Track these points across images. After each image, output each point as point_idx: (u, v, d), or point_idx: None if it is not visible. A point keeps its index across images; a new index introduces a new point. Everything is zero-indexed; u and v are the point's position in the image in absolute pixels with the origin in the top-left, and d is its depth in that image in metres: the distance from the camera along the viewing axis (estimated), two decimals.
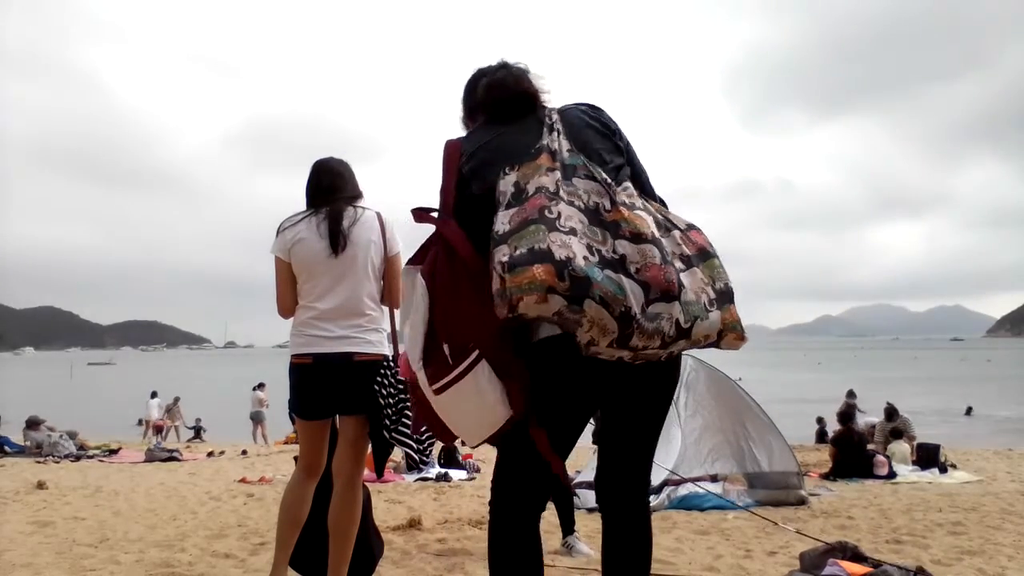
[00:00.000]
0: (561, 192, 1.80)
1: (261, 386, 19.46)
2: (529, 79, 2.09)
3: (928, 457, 10.37)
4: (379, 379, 3.05)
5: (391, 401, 3.05)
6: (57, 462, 11.86)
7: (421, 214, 1.96)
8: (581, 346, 1.72)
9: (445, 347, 1.83)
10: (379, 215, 3.21)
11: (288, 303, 3.18)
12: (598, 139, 1.98)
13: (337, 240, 3.07)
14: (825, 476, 9.39)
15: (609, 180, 1.86)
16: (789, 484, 7.20)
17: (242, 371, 53.99)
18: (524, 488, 1.96)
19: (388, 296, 3.20)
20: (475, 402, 1.85)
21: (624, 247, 1.73)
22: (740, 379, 8.92)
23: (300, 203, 3.23)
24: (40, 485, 8.05)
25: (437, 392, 1.86)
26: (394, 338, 3.23)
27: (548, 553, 4.53)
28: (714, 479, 7.08)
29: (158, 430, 18.63)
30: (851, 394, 16.23)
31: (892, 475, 9.47)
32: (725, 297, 1.80)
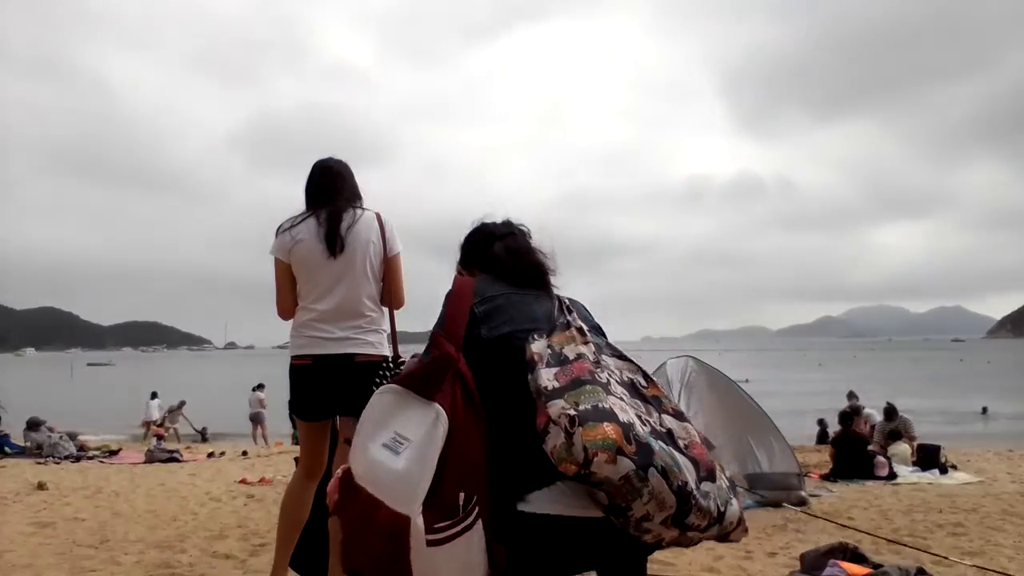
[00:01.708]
0: (600, 362, 1.78)
1: (260, 387, 19.44)
2: (542, 255, 2.10)
3: (928, 458, 10.35)
4: (379, 380, 3.04)
5: None
6: (57, 463, 11.84)
7: (441, 339, 1.81)
8: (632, 521, 1.62)
9: (461, 495, 1.67)
10: (378, 216, 3.21)
11: (287, 304, 3.18)
12: (600, 339, 1.98)
13: (335, 242, 3.06)
14: (825, 477, 9.38)
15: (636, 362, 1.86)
16: (790, 485, 7.20)
17: (242, 372, 53.98)
18: None
19: (388, 297, 3.20)
20: (463, 560, 1.67)
21: (670, 422, 1.73)
22: (747, 380, 8.93)
23: (301, 204, 3.23)
24: (40, 486, 8.04)
25: (434, 544, 1.62)
26: (394, 339, 3.23)
27: None
28: None
29: (158, 437, 18.61)
30: (852, 395, 16.25)
31: (892, 476, 9.45)
32: (733, 488, 1.80)
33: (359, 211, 3.17)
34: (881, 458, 9.83)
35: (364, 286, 3.11)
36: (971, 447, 13.94)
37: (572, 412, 1.60)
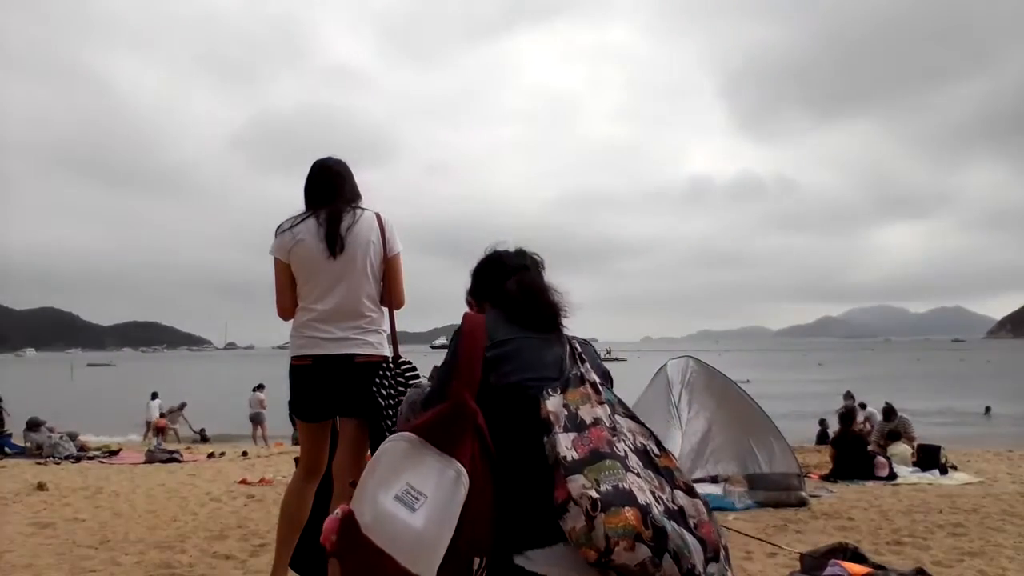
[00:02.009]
0: (616, 428, 1.73)
1: (260, 387, 19.46)
2: (556, 293, 2.03)
3: (929, 458, 10.35)
4: (379, 380, 3.05)
5: (391, 403, 3.04)
6: (57, 463, 11.84)
7: (463, 390, 1.74)
8: None
9: (476, 560, 1.64)
10: (379, 215, 3.20)
11: (287, 304, 3.17)
12: (611, 393, 1.91)
13: (335, 242, 3.06)
14: (825, 477, 9.38)
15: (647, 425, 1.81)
16: (790, 485, 7.20)
17: (242, 372, 53.98)
18: None
19: (388, 297, 3.20)
20: None
21: (681, 499, 1.69)
22: (748, 381, 8.93)
23: (301, 204, 3.22)
24: (40, 486, 8.05)
25: None
26: (394, 339, 3.22)
27: None
28: (715, 480, 7.08)
29: (159, 431, 18.66)
30: (848, 395, 16.32)
31: (893, 476, 9.46)
32: (728, 558, 1.76)
33: (359, 211, 3.16)
34: (881, 458, 9.83)
35: (364, 286, 3.11)
36: (971, 447, 13.94)
37: (594, 494, 1.56)
